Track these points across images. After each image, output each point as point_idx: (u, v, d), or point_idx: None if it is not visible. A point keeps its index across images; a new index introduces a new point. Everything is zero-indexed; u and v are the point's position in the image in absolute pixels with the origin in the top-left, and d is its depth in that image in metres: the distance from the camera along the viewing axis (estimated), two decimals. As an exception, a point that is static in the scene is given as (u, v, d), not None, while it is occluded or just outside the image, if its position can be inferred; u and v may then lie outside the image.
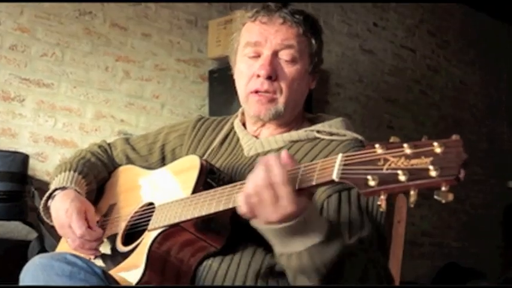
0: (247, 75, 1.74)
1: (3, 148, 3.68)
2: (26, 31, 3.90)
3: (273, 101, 1.70)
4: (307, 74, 1.76)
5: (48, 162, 3.83)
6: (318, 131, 1.74)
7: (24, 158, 3.56)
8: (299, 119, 1.83)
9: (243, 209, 1.23)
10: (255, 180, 1.21)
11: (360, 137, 1.72)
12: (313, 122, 1.83)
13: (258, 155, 1.76)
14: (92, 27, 4.17)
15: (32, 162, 3.73)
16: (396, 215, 2.00)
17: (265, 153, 1.75)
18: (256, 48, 1.72)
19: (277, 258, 1.34)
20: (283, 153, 1.24)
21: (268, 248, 1.54)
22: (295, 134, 1.76)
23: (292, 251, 1.25)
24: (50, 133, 3.95)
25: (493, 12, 6.84)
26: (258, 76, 1.69)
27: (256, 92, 1.70)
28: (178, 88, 4.54)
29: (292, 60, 1.71)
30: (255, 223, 1.27)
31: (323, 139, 1.73)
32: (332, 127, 1.75)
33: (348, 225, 1.49)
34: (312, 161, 1.64)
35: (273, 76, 1.68)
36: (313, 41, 1.76)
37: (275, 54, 1.70)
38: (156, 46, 4.46)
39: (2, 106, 3.79)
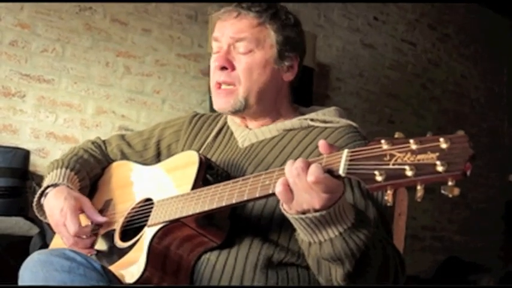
0: (211, 69, 1.79)
1: (4, 144, 3.69)
2: (26, 27, 3.90)
3: (231, 93, 1.74)
4: (271, 64, 1.76)
5: (49, 158, 3.82)
6: (312, 119, 1.76)
7: (25, 154, 3.56)
8: (286, 110, 1.84)
9: (278, 188, 1.23)
10: (291, 163, 1.23)
11: (353, 124, 1.74)
12: (306, 114, 1.84)
13: (252, 145, 1.78)
14: (92, 22, 4.17)
15: (33, 158, 3.74)
16: (397, 208, 2.01)
17: (259, 143, 1.77)
18: (217, 43, 1.78)
19: (305, 249, 1.35)
20: (321, 143, 1.24)
21: (264, 239, 1.55)
22: (288, 123, 1.77)
23: (325, 238, 1.26)
24: (51, 129, 3.95)
25: (493, 6, 6.82)
26: (216, 68, 1.75)
27: (219, 84, 1.75)
28: (179, 83, 4.54)
29: (248, 51, 1.73)
30: (289, 213, 1.27)
31: (317, 127, 1.75)
32: (326, 115, 1.77)
33: None
34: (306, 148, 1.67)
35: (228, 66, 1.73)
36: (273, 31, 1.76)
37: (232, 46, 1.74)
38: (156, 41, 4.45)
39: (3, 102, 3.79)
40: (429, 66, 6.31)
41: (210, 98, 4.52)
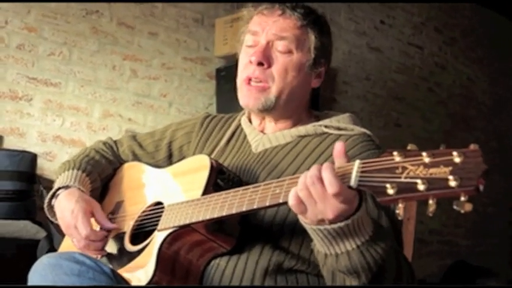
0: (243, 63, 1.76)
1: (12, 147, 3.68)
2: (33, 30, 3.90)
3: (263, 90, 1.71)
4: (305, 69, 1.75)
5: (56, 162, 3.82)
6: (326, 126, 1.74)
7: (33, 157, 3.56)
8: (304, 116, 1.83)
9: (290, 201, 1.21)
10: (305, 174, 1.20)
11: (368, 132, 1.72)
12: (320, 119, 1.83)
13: (265, 150, 1.76)
14: (99, 26, 4.17)
15: (40, 161, 3.73)
16: (406, 213, 1.99)
17: (273, 148, 1.75)
18: (255, 37, 1.74)
19: (321, 260, 1.33)
20: (338, 145, 1.23)
21: (275, 246, 1.54)
22: (302, 129, 1.75)
23: (342, 251, 1.25)
24: (58, 132, 3.95)
25: (500, 9, 6.81)
26: (251, 63, 1.71)
27: (249, 80, 1.71)
28: (186, 87, 4.53)
29: (287, 51, 1.71)
30: (306, 224, 1.26)
31: (331, 134, 1.73)
32: (340, 122, 1.75)
33: None
34: (320, 156, 1.66)
35: (264, 63, 1.70)
36: (314, 36, 1.75)
37: (270, 43, 1.72)
38: (163, 45, 4.45)
39: (10, 105, 3.79)
40: (436, 70, 6.30)
41: (217, 101, 4.56)
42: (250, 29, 1.76)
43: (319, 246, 1.28)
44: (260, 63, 1.69)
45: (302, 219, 1.26)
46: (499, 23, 6.97)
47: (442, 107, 6.33)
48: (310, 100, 1.86)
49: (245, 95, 1.73)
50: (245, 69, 1.74)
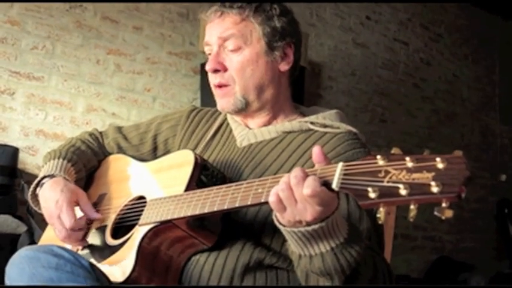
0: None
1: (-7, 142, 3.66)
2: (16, 24, 3.87)
3: (228, 92, 1.73)
4: (262, 57, 1.73)
5: (39, 156, 3.80)
6: (312, 123, 1.73)
7: (14, 152, 3.54)
8: (287, 108, 1.82)
9: (271, 198, 1.21)
10: (289, 175, 1.21)
11: (353, 130, 1.71)
12: (306, 114, 1.82)
13: (250, 145, 1.76)
14: (83, 20, 4.14)
15: (22, 155, 3.71)
16: (386, 208, 1.99)
17: (258, 143, 1.75)
18: (208, 47, 1.77)
19: (295, 260, 1.34)
20: (316, 149, 1.23)
21: (257, 243, 1.54)
22: (288, 125, 1.75)
23: (316, 253, 1.25)
24: (41, 126, 3.92)
25: (485, 6, 6.83)
26: (209, 71, 1.74)
27: (218, 87, 1.75)
28: (170, 81, 4.51)
29: (237, 49, 1.72)
30: (281, 224, 1.26)
31: (317, 131, 1.72)
32: (326, 119, 1.74)
33: (347, 220, 1.49)
34: (304, 152, 1.65)
35: (219, 68, 1.72)
36: (258, 24, 1.73)
37: (222, 47, 1.73)
38: (147, 39, 4.43)
39: (-8, 99, 3.76)
40: (421, 66, 6.31)
41: (202, 95, 4.54)
42: (205, 40, 1.78)
43: (294, 247, 1.28)
44: (216, 70, 1.72)
45: (278, 220, 1.26)
46: (485, 20, 7.00)
47: (427, 103, 6.34)
48: (292, 91, 1.85)
49: (218, 101, 1.77)
50: (210, 78, 1.77)
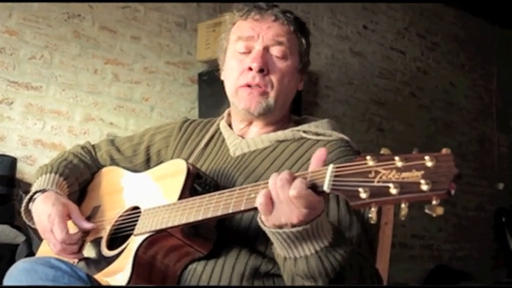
0: (238, 70, 1.75)
1: (-9, 151, 3.66)
2: (14, 34, 3.88)
3: (264, 94, 1.72)
4: (296, 72, 1.78)
5: (37, 166, 3.79)
6: (304, 131, 1.75)
7: (12, 161, 3.54)
8: (285, 120, 1.85)
9: (259, 199, 1.22)
10: (276, 175, 1.22)
11: (345, 138, 1.73)
12: (299, 123, 1.84)
13: (244, 155, 1.77)
14: (81, 30, 4.16)
15: (20, 165, 3.72)
16: (383, 217, 2.01)
17: (251, 153, 1.76)
18: (248, 43, 1.75)
19: (280, 263, 1.34)
20: (320, 151, 1.25)
21: (252, 250, 1.54)
22: (281, 134, 1.76)
23: (300, 255, 1.26)
24: (39, 136, 3.93)
25: (482, 14, 6.86)
26: (250, 69, 1.71)
27: (248, 86, 1.72)
28: (168, 91, 4.53)
29: (283, 57, 1.73)
30: (266, 226, 1.27)
31: (309, 139, 1.74)
32: (318, 127, 1.76)
33: (337, 225, 1.49)
34: (297, 160, 1.66)
35: (265, 69, 1.70)
36: (303, 40, 1.79)
37: (266, 49, 1.73)
38: (145, 49, 4.44)
39: (-10, 109, 3.77)
40: (418, 75, 6.33)
41: (199, 105, 4.55)
42: (242, 35, 1.76)
43: (279, 249, 1.29)
44: (261, 70, 1.70)
45: (262, 221, 1.27)
46: (481, 28, 7.02)
47: (425, 111, 6.35)
48: (292, 103, 1.88)
49: (246, 99, 1.73)
50: (241, 75, 1.74)
